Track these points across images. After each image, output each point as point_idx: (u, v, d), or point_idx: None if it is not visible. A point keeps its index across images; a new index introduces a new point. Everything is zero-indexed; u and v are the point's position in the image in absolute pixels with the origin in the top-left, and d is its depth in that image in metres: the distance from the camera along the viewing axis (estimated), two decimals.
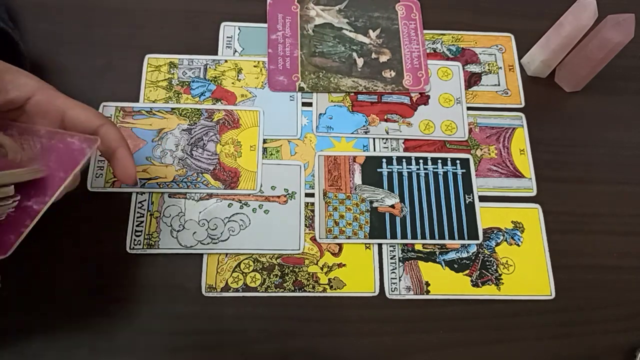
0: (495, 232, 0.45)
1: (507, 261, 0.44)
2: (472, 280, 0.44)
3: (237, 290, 0.42)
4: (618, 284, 0.45)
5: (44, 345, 0.38)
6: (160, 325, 0.40)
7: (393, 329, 0.42)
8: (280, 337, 0.40)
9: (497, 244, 0.45)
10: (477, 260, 0.44)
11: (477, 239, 0.45)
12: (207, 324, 0.41)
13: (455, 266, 0.44)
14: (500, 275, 0.44)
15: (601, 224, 0.47)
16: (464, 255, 0.44)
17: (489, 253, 0.45)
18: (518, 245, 0.45)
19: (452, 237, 0.45)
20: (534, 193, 0.47)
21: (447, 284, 0.43)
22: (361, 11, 0.53)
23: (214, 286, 0.42)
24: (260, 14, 0.52)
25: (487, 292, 0.43)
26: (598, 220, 0.47)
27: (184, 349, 0.40)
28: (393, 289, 0.43)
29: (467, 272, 0.44)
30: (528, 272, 0.44)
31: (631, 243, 0.46)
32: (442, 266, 0.44)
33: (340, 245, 0.44)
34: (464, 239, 0.45)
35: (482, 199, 0.46)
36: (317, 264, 0.43)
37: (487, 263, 0.44)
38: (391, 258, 0.44)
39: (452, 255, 0.44)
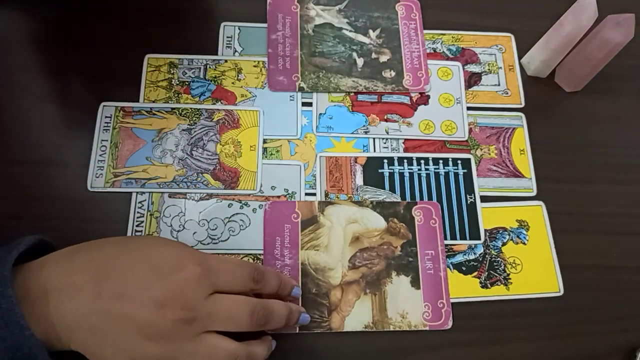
0: (500, 231, 0.45)
1: (514, 260, 0.44)
2: (481, 282, 0.43)
3: None
4: (618, 284, 0.45)
5: None
6: None
7: None
8: (280, 337, 0.40)
9: (504, 244, 0.45)
10: (485, 262, 0.44)
11: (479, 239, 0.45)
12: None
13: (463, 269, 0.44)
14: (508, 275, 0.44)
15: (601, 224, 0.47)
16: (471, 257, 0.44)
17: (495, 253, 0.45)
18: (524, 243, 0.45)
19: (454, 238, 0.45)
20: (534, 193, 0.47)
21: (456, 286, 0.43)
22: (361, 11, 0.53)
23: None
24: (260, 14, 0.52)
25: (497, 292, 0.43)
26: (598, 220, 0.47)
27: None
28: None
29: (475, 273, 0.44)
30: (536, 270, 0.44)
31: (631, 243, 0.46)
32: (450, 269, 0.44)
33: None
34: (465, 239, 0.45)
35: (482, 199, 0.46)
36: None
37: (495, 264, 0.44)
38: None
39: (459, 258, 0.44)
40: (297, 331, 0.40)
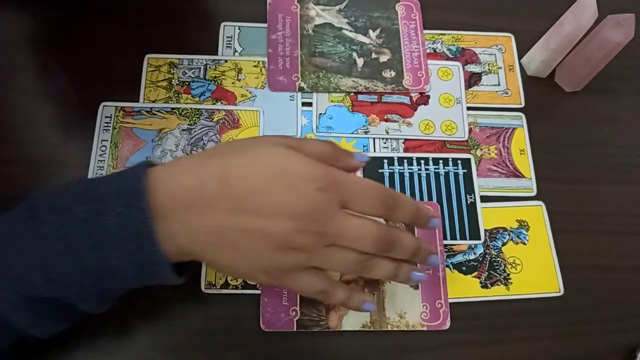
0: (500, 231, 0.45)
1: (514, 260, 0.44)
2: (481, 282, 0.43)
3: (236, 287, 0.42)
4: (618, 284, 0.45)
5: (45, 345, 0.38)
6: (160, 324, 0.40)
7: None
8: (279, 336, 0.40)
9: (504, 244, 0.45)
10: (485, 262, 0.44)
11: (479, 239, 0.45)
12: (206, 321, 0.40)
13: (464, 268, 0.44)
14: (508, 275, 0.44)
15: (601, 224, 0.47)
16: (471, 257, 0.44)
17: (495, 253, 0.45)
18: (524, 243, 0.45)
19: (454, 238, 0.45)
20: (534, 193, 0.47)
21: (456, 286, 0.43)
22: (361, 11, 0.53)
23: (213, 283, 0.42)
24: (260, 14, 0.52)
25: (497, 292, 0.43)
26: (598, 220, 0.47)
27: (184, 348, 0.40)
28: None
29: (475, 273, 0.44)
30: (536, 270, 0.44)
31: (631, 243, 0.46)
32: (451, 269, 0.44)
33: None
34: (465, 239, 0.45)
35: (482, 199, 0.46)
36: None
37: (495, 264, 0.44)
38: None
39: (459, 258, 0.44)
40: (295, 329, 0.40)
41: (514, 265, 0.44)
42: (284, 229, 0.32)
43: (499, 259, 0.44)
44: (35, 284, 0.30)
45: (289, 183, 0.32)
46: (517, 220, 0.46)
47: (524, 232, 0.45)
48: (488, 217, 0.46)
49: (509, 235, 0.45)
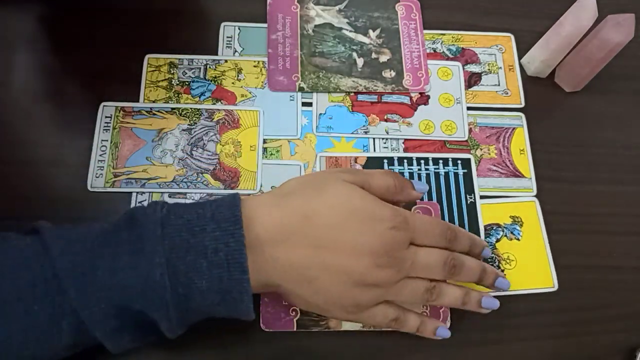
0: (494, 228, 0.45)
1: (508, 256, 0.44)
2: None
3: None
4: (618, 284, 0.45)
5: None
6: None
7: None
8: (279, 336, 0.40)
9: (498, 240, 0.45)
10: (479, 258, 0.44)
11: None
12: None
13: None
14: (502, 271, 0.44)
15: (601, 224, 0.47)
16: None
17: (490, 250, 0.45)
18: (518, 239, 0.45)
19: None
20: (534, 193, 0.47)
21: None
22: (361, 11, 0.53)
23: None
24: (260, 14, 0.52)
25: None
26: (598, 220, 0.47)
27: (184, 348, 0.40)
28: None
29: None
30: (530, 266, 0.44)
31: (631, 243, 0.46)
32: None
33: None
34: None
35: (482, 198, 0.46)
36: None
37: (489, 260, 0.44)
38: None
39: None
40: (295, 329, 0.40)
41: (508, 261, 0.44)
42: (364, 265, 0.34)
43: (493, 255, 0.44)
44: (129, 293, 0.31)
45: (365, 222, 0.35)
46: (510, 217, 0.46)
47: (518, 228, 0.46)
48: (483, 213, 0.46)
49: (503, 231, 0.45)
